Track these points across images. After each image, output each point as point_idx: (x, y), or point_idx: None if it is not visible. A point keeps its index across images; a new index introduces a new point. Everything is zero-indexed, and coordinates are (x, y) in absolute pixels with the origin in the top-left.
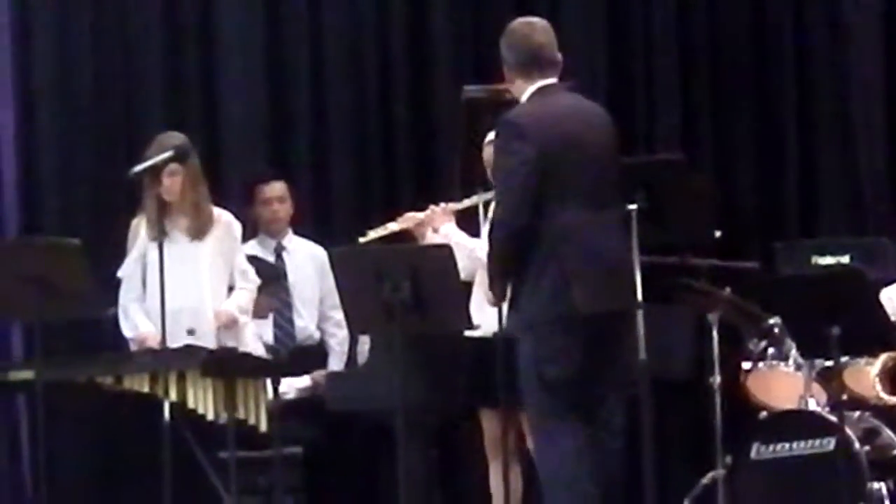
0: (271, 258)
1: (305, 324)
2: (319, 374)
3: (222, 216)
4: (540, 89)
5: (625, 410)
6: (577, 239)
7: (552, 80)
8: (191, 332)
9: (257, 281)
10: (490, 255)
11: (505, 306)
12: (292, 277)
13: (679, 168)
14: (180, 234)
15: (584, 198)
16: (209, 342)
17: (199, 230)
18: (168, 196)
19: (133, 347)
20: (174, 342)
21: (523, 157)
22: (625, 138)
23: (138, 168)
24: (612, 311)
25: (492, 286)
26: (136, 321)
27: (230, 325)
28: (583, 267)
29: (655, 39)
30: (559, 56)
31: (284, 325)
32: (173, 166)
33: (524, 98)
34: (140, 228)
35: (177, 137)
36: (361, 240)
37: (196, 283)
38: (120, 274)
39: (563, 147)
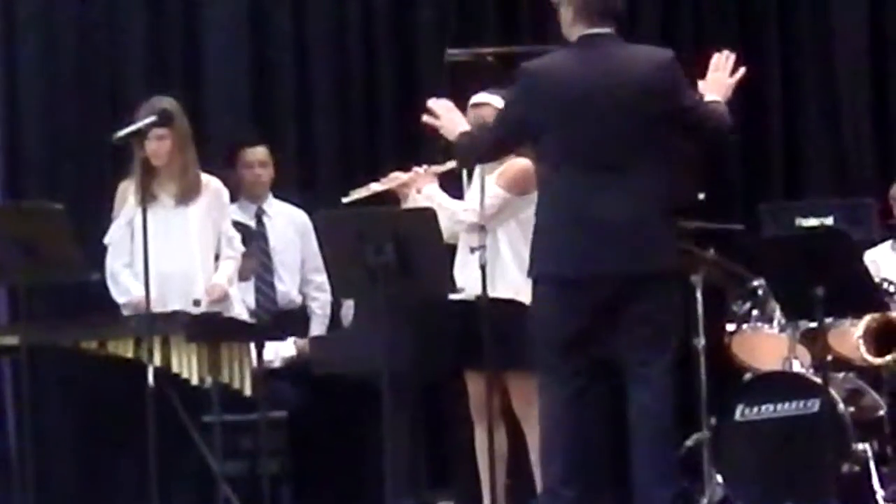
0: (252, 222)
1: (287, 288)
2: (303, 342)
3: (211, 182)
4: (580, 39)
5: (661, 367)
6: (563, 203)
7: (599, 30)
8: (196, 304)
9: (242, 249)
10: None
11: (489, 269)
12: (273, 242)
13: None
14: (168, 198)
15: (582, 158)
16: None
17: (186, 194)
18: (156, 160)
19: (126, 312)
20: (165, 307)
21: (511, 102)
22: None
23: (122, 133)
24: (610, 275)
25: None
26: (128, 285)
27: (223, 299)
28: (569, 231)
29: None
30: (615, 5)
31: (266, 289)
32: (161, 130)
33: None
34: (128, 193)
35: (164, 101)
36: (344, 200)
37: (185, 249)
38: (106, 240)
39: (565, 104)
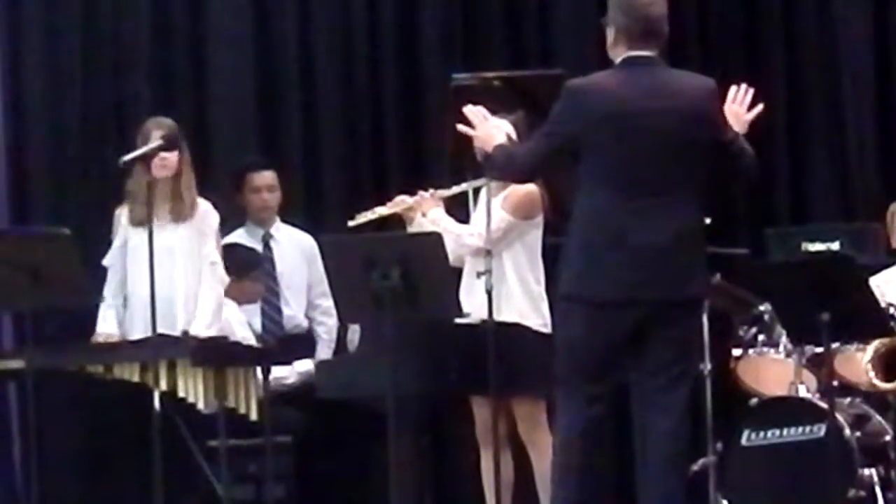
0: (259, 247)
1: (293, 312)
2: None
3: (200, 205)
4: (626, 60)
5: (680, 394)
6: (603, 224)
7: (646, 53)
8: (185, 335)
9: (226, 279)
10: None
11: (494, 293)
12: (280, 266)
13: None
14: (160, 221)
15: (625, 180)
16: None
17: (178, 217)
18: (160, 172)
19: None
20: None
21: (558, 119)
22: None
23: (128, 157)
24: (647, 300)
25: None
26: (102, 318)
27: None
28: (606, 252)
29: None
30: (657, 29)
31: (272, 313)
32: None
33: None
34: (122, 217)
35: (166, 125)
36: (350, 223)
37: (169, 271)
38: (105, 263)
39: (611, 123)
